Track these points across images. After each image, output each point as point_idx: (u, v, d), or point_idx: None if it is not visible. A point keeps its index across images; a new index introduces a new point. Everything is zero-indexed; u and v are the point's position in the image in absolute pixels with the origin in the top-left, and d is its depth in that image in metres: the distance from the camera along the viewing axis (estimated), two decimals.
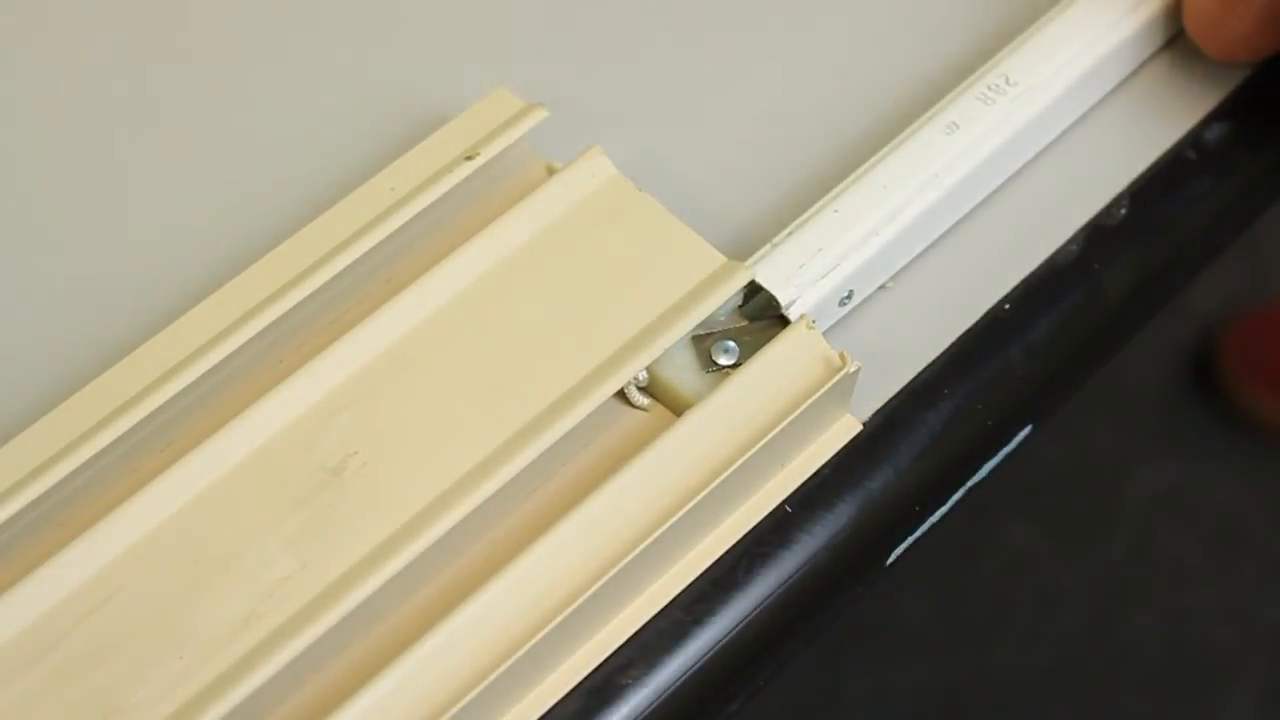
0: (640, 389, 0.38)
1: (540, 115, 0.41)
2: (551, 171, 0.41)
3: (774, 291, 0.38)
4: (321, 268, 0.38)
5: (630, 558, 0.35)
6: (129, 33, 0.46)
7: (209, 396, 0.38)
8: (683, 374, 0.38)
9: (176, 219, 0.43)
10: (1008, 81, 0.42)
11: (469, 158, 0.40)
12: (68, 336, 0.40)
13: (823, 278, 0.39)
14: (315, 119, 0.44)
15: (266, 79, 0.45)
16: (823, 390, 0.37)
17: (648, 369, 0.38)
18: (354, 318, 0.38)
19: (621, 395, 0.38)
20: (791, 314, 0.38)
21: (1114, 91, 0.44)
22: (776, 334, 0.38)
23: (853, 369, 0.37)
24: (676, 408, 0.38)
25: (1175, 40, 0.45)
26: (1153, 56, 0.45)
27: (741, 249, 0.39)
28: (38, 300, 0.42)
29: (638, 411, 0.38)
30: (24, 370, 0.40)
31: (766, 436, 0.36)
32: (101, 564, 0.35)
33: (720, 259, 0.39)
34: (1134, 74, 0.45)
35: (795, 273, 0.39)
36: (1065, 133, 0.43)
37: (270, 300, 0.38)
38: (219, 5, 0.47)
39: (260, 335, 0.38)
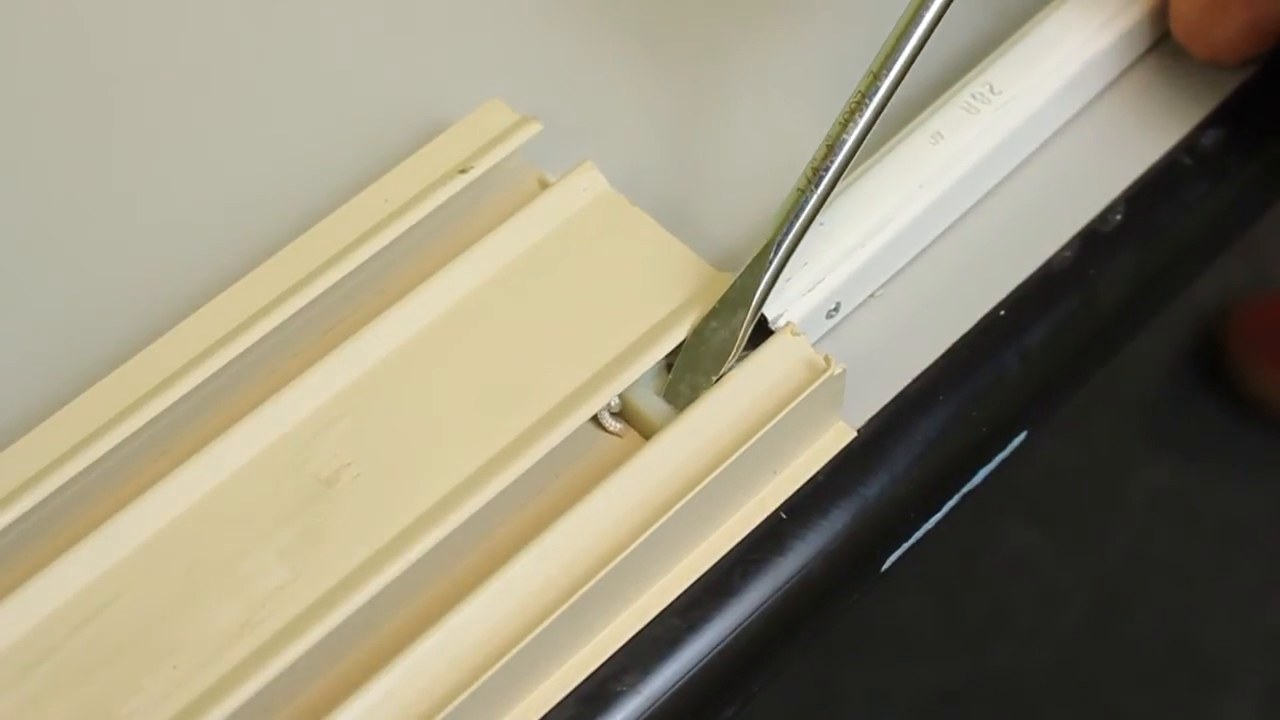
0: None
1: (534, 129, 0.41)
2: (544, 185, 0.41)
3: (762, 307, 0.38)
4: (316, 279, 0.38)
5: (620, 560, 0.35)
6: (125, 39, 0.46)
7: (204, 406, 0.38)
8: None
9: (171, 229, 0.43)
10: (992, 90, 0.42)
11: (463, 171, 0.40)
12: (63, 345, 0.40)
13: (809, 291, 0.39)
14: (309, 129, 0.44)
15: (261, 90, 0.45)
16: (808, 392, 0.37)
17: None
18: (348, 329, 0.38)
19: (622, 399, 0.38)
20: (778, 328, 0.38)
21: (1103, 97, 0.44)
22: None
23: (838, 371, 0.37)
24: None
25: (1163, 43, 0.45)
26: (1140, 60, 0.45)
27: (732, 262, 0.39)
28: (32, 309, 0.42)
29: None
30: (19, 379, 0.40)
31: (752, 439, 0.36)
32: (96, 573, 0.35)
33: (711, 272, 0.39)
34: (1124, 78, 0.44)
35: (783, 286, 0.39)
36: (1059, 138, 0.43)
37: (265, 311, 0.38)
38: (214, 16, 0.47)
39: (255, 346, 0.38)
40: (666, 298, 0.38)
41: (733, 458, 0.36)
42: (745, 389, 0.37)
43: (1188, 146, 0.44)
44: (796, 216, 0.37)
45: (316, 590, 0.34)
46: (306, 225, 0.40)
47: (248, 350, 0.38)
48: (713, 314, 0.38)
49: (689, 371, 0.38)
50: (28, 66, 0.46)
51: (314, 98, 0.45)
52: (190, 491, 0.36)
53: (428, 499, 0.36)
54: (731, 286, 0.38)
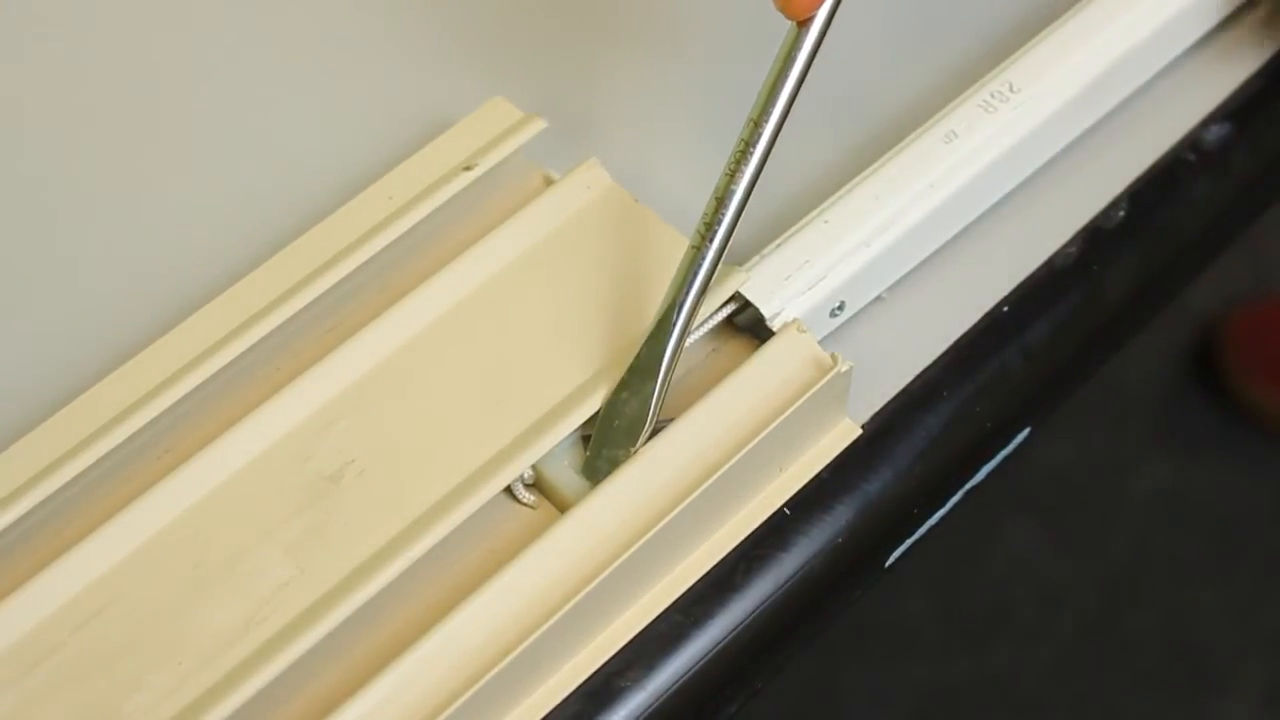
0: None
1: (538, 126, 0.41)
2: (549, 182, 0.41)
3: (758, 305, 0.38)
4: (320, 276, 0.38)
5: (627, 557, 0.35)
6: (132, 40, 0.46)
7: (208, 403, 0.38)
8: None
9: (175, 227, 0.43)
10: (1011, 89, 0.41)
11: (467, 168, 0.40)
12: (66, 344, 0.40)
13: (810, 289, 0.39)
14: (314, 128, 0.44)
15: (265, 88, 0.45)
16: (814, 390, 0.37)
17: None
18: (351, 326, 0.38)
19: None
20: (776, 325, 0.38)
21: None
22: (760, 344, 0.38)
23: (845, 369, 0.37)
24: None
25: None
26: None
27: (736, 256, 0.39)
28: (35, 307, 0.42)
29: None
30: (22, 377, 0.40)
31: (759, 436, 0.36)
32: (100, 570, 0.35)
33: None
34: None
35: (781, 284, 0.38)
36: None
37: (268, 308, 0.38)
38: (221, 16, 0.47)
39: (258, 343, 0.38)
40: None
41: (740, 454, 0.36)
42: (752, 386, 0.37)
43: (1191, 143, 0.44)
44: (695, 275, 0.36)
45: (323, 586, 0.34)
46: (311, 223, 0.40)
47: (251, 348, 0.38)
48: (623, 385, 0.37)
49: (605, 445, 0.37)
50: (26, 65, 0.46)
51: (318, 96, 0.45)
52: (194, 489, 0.36)
53: (434, 494, 0.36)
54: (638, 355, 0.37)
